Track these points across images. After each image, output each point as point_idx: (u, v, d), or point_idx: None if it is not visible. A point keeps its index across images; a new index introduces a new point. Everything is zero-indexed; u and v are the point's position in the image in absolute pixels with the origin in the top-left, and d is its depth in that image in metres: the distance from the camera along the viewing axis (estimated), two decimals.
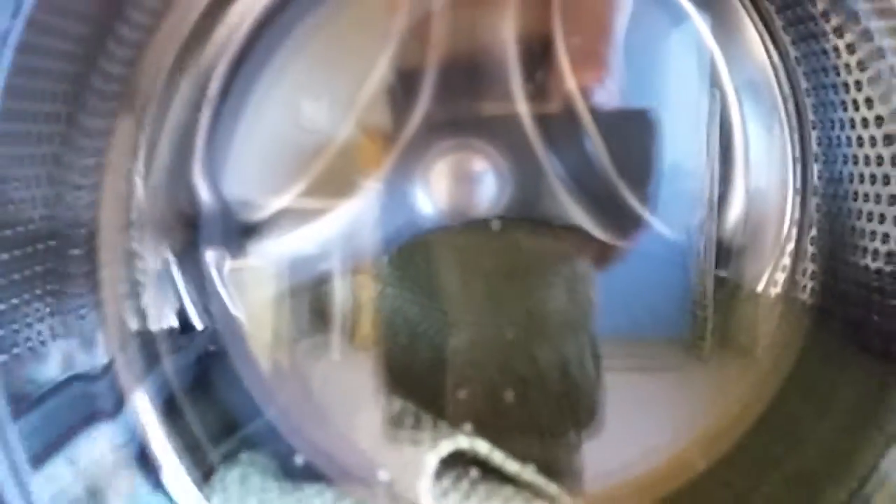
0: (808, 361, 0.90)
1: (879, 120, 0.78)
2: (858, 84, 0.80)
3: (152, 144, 0.87)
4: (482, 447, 0.80)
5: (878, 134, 0.78)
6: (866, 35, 0.76)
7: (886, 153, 0.77)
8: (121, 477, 0.75)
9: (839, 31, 0.81)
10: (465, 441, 0.79)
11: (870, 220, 0.81)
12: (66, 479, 0.67)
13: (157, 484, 0.79)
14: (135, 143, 0.84)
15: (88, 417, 0.76)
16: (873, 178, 0.80)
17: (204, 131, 0.94)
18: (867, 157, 0.81)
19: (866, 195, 0.82)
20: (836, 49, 0.82)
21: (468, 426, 0.83)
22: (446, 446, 0.78)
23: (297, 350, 0.99)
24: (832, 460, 0.80)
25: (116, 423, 0.78)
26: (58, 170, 0.74)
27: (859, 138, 0.82)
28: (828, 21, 0.82)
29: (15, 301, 0.67)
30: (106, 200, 0.82)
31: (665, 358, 0.98)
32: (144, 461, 0.79)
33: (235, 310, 0.97)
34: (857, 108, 0.81)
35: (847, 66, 0.81)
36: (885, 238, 0.78)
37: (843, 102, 0.83)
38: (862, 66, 0.79)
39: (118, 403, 0.80)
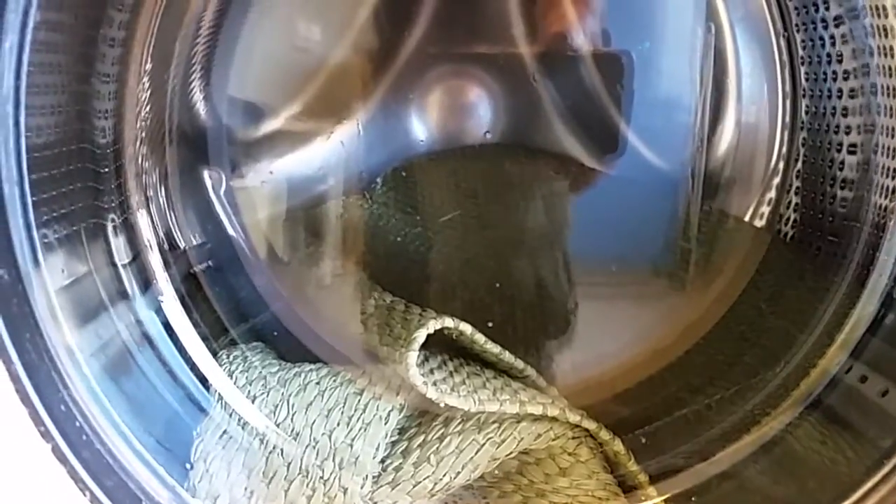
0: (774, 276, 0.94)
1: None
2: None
3: (159, 65, 0.88)
4: (466, 328, 0.83)
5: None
6: None
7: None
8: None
9: None
10: (450, 321, 0.82)
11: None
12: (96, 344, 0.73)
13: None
14: (142, 69, 0.86)
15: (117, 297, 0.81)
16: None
17: (203, 49, 0.95)
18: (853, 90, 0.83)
19: (848, 127, 0.84)
20: None
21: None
22: (434, 324, 0.80)
23: (294, 262, 1.01)
24: (783, 362, 0.84)
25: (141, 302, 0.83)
26: (81, 96, 0.77)
27: (845, 73, 0.84)
28: None
29: (63, 210, 0.72)
30: (127, 123, 0.84)
31: (647, 287, 1.00)
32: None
33: (231, 228, 0.99)
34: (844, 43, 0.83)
35: None
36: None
37: (832, 37, 0.85)
38: None
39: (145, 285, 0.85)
